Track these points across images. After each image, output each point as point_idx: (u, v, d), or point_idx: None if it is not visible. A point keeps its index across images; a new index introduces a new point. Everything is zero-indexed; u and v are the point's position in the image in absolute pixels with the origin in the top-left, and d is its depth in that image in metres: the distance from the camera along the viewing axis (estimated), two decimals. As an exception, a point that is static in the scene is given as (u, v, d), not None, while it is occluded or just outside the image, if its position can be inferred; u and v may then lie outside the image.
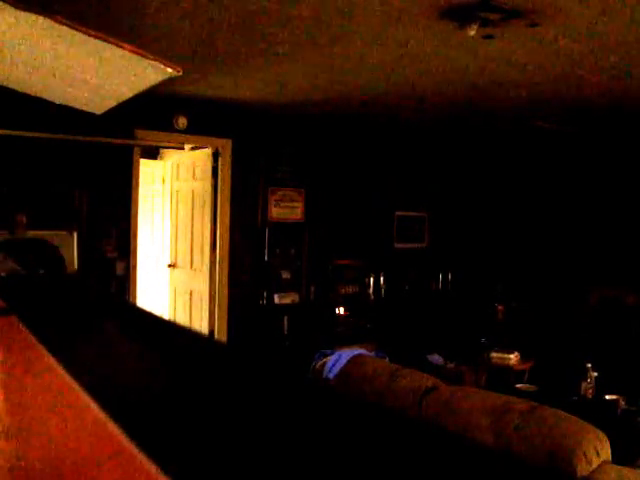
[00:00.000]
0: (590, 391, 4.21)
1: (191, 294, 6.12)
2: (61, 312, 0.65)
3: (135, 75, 1.47)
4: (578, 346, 5.67)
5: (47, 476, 0.26)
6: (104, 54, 1.33)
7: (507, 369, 5.24)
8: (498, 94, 4.72)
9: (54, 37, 1.27)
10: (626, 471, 2.23)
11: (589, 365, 4.29)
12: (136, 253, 5.39)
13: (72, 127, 4.65)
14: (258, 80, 4.50)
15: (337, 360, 3.61)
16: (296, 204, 6.22)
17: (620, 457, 2.42)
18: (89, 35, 1.24)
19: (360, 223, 6.62)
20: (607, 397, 4.09)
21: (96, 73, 1.55)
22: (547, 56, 3.62)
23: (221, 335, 5.73)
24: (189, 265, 6.14)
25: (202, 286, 5.89)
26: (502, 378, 5.06)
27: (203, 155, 5.91)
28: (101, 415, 0.30)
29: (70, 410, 0.33)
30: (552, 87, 4.41)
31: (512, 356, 5.27)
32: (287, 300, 6.05)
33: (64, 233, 4.65)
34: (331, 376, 3.54)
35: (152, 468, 0.25)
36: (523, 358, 5.35)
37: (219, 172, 5.77)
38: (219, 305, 5.78)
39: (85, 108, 1.92)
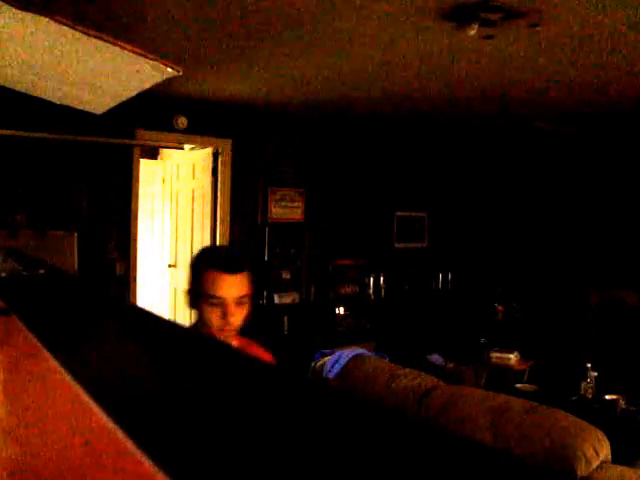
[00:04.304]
0: (590, 391, 4.21)
1: (191, 294, 6.11)
2: (61, 312, 0.65)
3: (135, 75, 1.47)
4: (578, 346, 5.67)
5: (47, 477, 0.26)
6: (104, 54, 1.33)
7: (507, 369, 5.24)
8: (498, 94, 4.72)
9: (54, 37, 1.27)
10: (626, 471, 2.23)
11: (589, 365, 4.29)
12: (136, 253, 5.39)
13: (72, 127, 4.65)
14: (258, 80, 4.50)
15: (337, 360, 3.61)
16: (296, 204, 6.22)
17: (620, 457, 2.42)
18: (89, 35, 1.24)
19: (360, 223, 6.62)
20: (607, 397, 4.08)
21: (96, 73, 1.55)
22: (547, 56, 3.62)
23: (221, 335, 5.72)
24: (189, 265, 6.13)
25: (202, 286, 5.88)
26: (502, 378, 5.06)
27: (203, 155, 5.91)
28: (101, 415, 0.30)
29: (70, 410, 0.34)
30: (552, 87, 4.42)
31: (512, 356, 5.27)
32: (287, 300, 6.05)
33: (64, 233, 4.65)
34: (331, 376, 3.54)
35: (152, 468, 0.25)
36: (523, 358, 5.35)
37: (219, 172, 5.77)
38: (219, 305, 5.77)
39: (85, 108, 1.92)
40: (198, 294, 1.70)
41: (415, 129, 6.56)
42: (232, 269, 1.69)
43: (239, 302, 1.68)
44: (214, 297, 1.66)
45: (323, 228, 6.34)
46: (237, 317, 1.69)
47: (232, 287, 1.67)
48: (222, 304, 1.66)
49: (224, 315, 1.66)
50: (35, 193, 4.76)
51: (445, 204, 7.26)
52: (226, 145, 5.76)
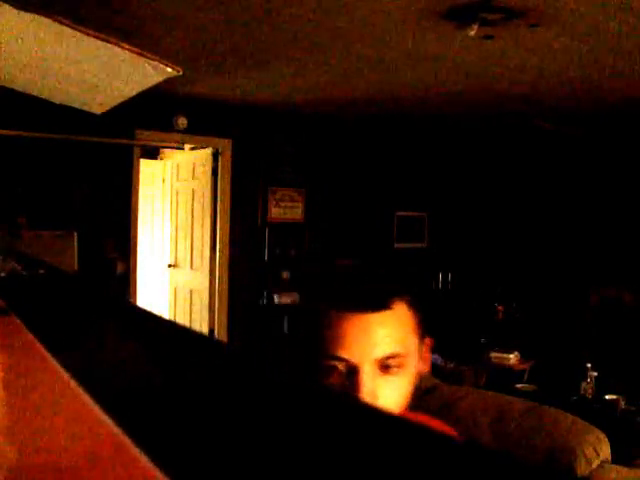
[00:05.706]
0: (590, 391, 4.21)
1: (191, 294, 6.12)
2: (61, 312, 0.65)
3: (135, 75, 1.47)
4: (578, 346, 5.67)
5: (47, 477, 0.26)
6: (104, 54, 1.33)
7: (507, 369, 5.24)
8: (498, 94, 4.72)
9: (54, 37, 1.27)
10: (626, 471, 2.23)
11: (589, 365, 4.29)
12: (136, 253, 5.39)
13: (72, 127, 4.65)
14: (258, 80, 4.50)
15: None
16: (296, 204, 6.22)
17: (620, 457, 2.42)
18: (89, 35, 1.24)
19: (360, 223, 6.62)
20: (607, 397, 4.08)
21: (96, 73, 1.55)
22: (547, 56, 3.62)
23: (221, 335, 5.73)
24: (189, 265, 6.14)
25: (202, 286, 5.89)
26: (502, 378, 5.06)
27: (203, 155, 5.91)
28: (101, 415, 0.30)
29: (70, 410, 0.33)
30: (552, 87, 4.42)
31: (512, 356, 5.27)
32: (287, 300, 6.05)
33: (64, 233, 4.64)
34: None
35: (152, 468, 0.25)
36: (523, 358, 5.35)
37: (219, 172, 5.76)
38: (219, 305, 5.77)
39: (85, 108, 1.92)
40: (311, 354, 0.93)
41: (415, 129, 6.56)
42: (363, 304, 0.91)
43: (385, 367, 0.90)
44: (333, 358, 0.89)
45: (323, 228, 6.33)
46: (383, 396, 0.89)
47: (366, 339, 0.89)
48: (350, 371, 0.89)
49: (353, 390, 0.87)
50: (35, 193, 4.76)
51: (445, 204, 7.26)
52: (226, 145, 5.76)
